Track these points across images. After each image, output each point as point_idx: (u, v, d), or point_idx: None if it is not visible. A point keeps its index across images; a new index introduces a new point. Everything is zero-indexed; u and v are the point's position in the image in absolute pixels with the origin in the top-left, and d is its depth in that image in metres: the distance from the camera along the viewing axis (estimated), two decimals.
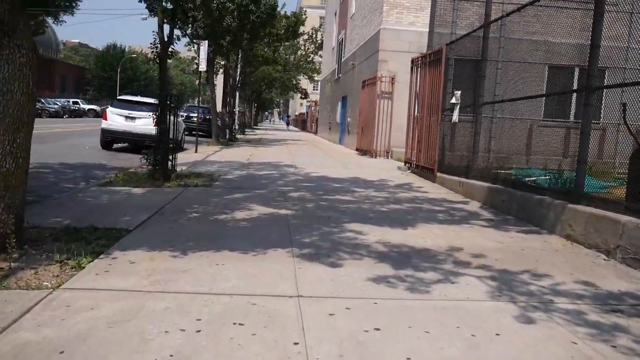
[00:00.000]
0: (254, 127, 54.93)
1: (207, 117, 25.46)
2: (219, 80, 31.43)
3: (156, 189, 8.25)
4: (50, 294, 3.35)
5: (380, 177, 10.86)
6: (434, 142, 10.23)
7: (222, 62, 27.89)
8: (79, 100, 54.88)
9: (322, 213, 6.58)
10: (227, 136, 25.01)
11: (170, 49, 9.59)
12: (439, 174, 9.92)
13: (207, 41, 16.31)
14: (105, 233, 5.00)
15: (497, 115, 10.26)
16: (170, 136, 9.83)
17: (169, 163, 9.56)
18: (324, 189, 8.87)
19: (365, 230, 5.56)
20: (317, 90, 72.51)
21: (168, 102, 9.71)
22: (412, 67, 12.05)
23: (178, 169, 11.06)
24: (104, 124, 15.39)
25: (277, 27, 24.54)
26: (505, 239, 5.51)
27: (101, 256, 4.24)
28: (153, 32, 9.66)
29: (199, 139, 26.35)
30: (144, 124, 15.33)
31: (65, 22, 71.64)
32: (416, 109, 12.05)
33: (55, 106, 43.59)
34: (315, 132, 40.33)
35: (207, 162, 13.11)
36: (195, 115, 29.00)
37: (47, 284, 3.60)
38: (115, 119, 15.31)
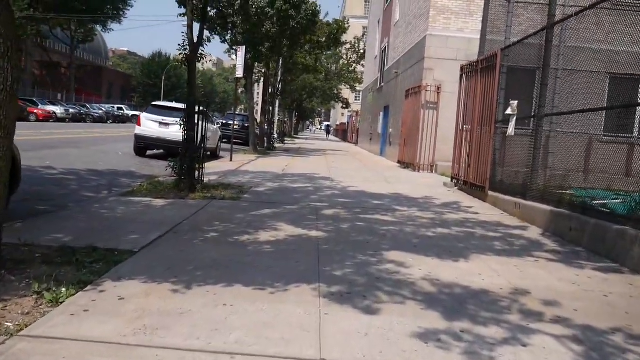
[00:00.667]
0: (294, 136, 54.55)
1: (246, 125, 24.99)
2: (261, 88, 31.05)
3: (178, 201, 7.59)
4: (1, 344, 2.62)
5: (425, 194, 9.92)
6: (485, 157, 9.24)
7: (262, 70, 27.47)
8: (123, 106, 55.82)
9: (359, 236, 5.73)
10: (265, 145, 24.47)
11: (200, 51, 8.95)
12: (490, 193, 8.92)
13: (244, 47, 15.75)
14: (104, 255, 4.30)
15: (556, 128, 9.22)
16: (200, 144, 9.20)
17: (196, 173, 8.91)
18: (362, 206, 8.01)
19: (408, 262, 4.67)
20: (358, 100, 71.73)
21: (198, 108, 9.10)
22: (461, 75, 11.10)
23: (209, 178, 10.44)
24: (138, 130, 14.99)
25: (318, 34, 23.91)
26: (581, 279, 4.52)
27: (87, 287, 3.52)
28: (182, 33, 9.07)
29: (236, 147, 25.92)
30: (178, 130, 14.84)
31: (113, 30, 73.43)
32: (464, 121, 11.08)
33: (100, 112, 44.29)
34: (356, 143, 39.48)
35: (240, 172, 12.45)
36: (236, 123, 28.73)
37: (9, 324, 2.89)
38: (149, 125, 14.89)
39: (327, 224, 6.37)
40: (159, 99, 62.83)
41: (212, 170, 12.74)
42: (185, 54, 8.84)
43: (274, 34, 18.41)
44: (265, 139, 24.78)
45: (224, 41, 21.09)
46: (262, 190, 9.27)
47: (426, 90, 15.19)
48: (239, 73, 15.78)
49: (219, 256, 4.54)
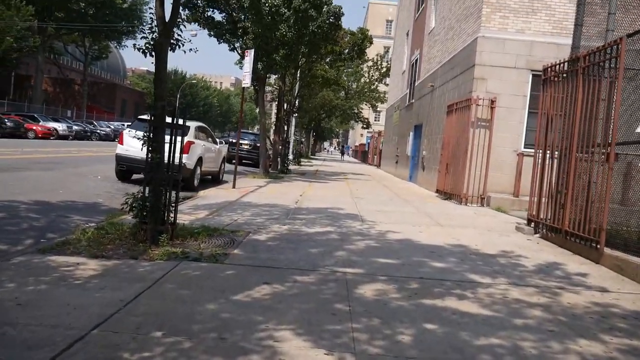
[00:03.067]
0: (311, 157, 51.74)
1: (257, 144, 22.21)
2: (276, 106, 28.32)
3: (124, 265, 4.69)
4: None
5: (499, 245, 6.89)
6: (597, 194, 6.20)
7: (277, 84, 24.80)
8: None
9: None
10: (279, 167, 21.62)
11: (175, 36, 6.08)
12: (609, 252, 5.86)
13: (253, 50, 12.98)
14: None
15: None
16: (174, 169, 6.39)
17: (169, 213, 6.03)
18: (419, 274, 5.02)
19: None
20: (378, 120, 68.96)
21: (175, 118, 6.31)
22: (544, 80, 8.11)
23: (195, 216, 7.61)
24: (119, 150, 12.21)
25: (341, 43, 21.14)
26: None
27: None
28: (150, 13, 6.16)
29: (246, 169, 23.00)
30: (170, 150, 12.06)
31: (127, 46, 71.89)
32: (541, 142, 8.11)
33: (107, 129, 41.99)
34: (378, 165, 36.47)
35: (241, 205, 9.55)
36: (245, 142, 25.94)
37: None
38: (133, 143, 12.08)
39: (370, 327, 3.40)
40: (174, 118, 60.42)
41: (205, 202, 9.86)
42: (152, 38, 5.97)
43: (290, 39, 15.65)
44: (279, 160, 21.93)
45: (232, 49, 18.41)
46: (263, 240, 6.32)
47: (477, 105, 12.21)
48: (246, 82, 12.98)
49: None
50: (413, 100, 21.59)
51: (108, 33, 57.22)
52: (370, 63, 44.64)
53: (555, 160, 7.49)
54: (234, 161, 26.06)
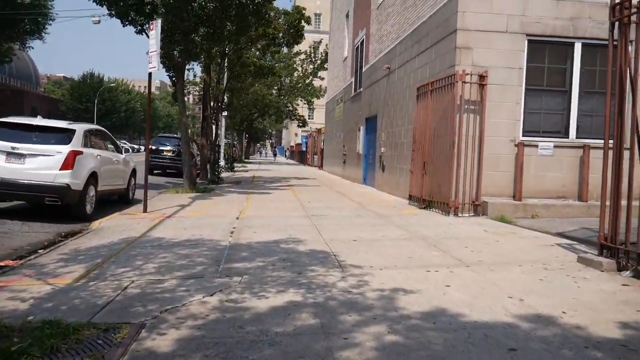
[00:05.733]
0: (245, 160, 48.00)
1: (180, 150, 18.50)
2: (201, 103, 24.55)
3: None
4: None
5: (597, 309, 3.90)
6: None
7: (202, 77, 21.13)
8: None
9: None
10: (208, 176, 18.04)
11: None
12: None
13: (159, 21, 9.48)
14: None
15: None
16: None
17: None
18: None
19: None
20: (312, 118, 65.95)
21: None
22: (619, 23, 5.15)
23: (66, 276, 4.31)
24: None
25: (274, 24, 17.83)
26: None
27: None
28: None
29: (169, 181, 19.14)
30: (39, 165, 8.35)
31: (32, 48, 65.13)
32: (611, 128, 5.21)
33: None
34: (320, 166, 33.38)
35: (146, 247, 6.12)
36: (168, 148, 22.10)
37: None
38: None
39: None
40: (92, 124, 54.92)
41: (93, 242, 6.37)
42: None
43: (211, 14, 12.19)
44: (208, 167, 18.33)
45: (140, 31, 14.71)
46: (166, 351, 2.99)
47: (463, 82, 9.29)
48: (153, 64, 9.44)
49: None
50: (361, 89, 18.61)
51: (9, 33, 50.90)
52: (303, 56, 41.53)
53: None
54: (156, 171, 22.40)
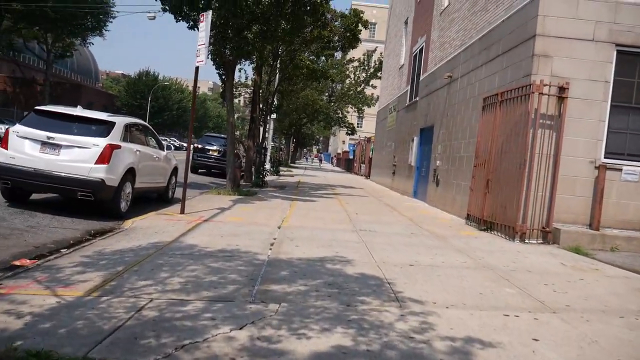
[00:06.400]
0: (291, 165, 47.53)
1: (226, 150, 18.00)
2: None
3: None
4: None
5: None
6: None
7: (253, 78, 20.69)
8: None
9: None
10: (253, 179, 17.48)
11: None
12: None
13: (209, 13, 8.91)
14: None
15: None
16: None
17: None
18: None
19: None
20: (361, 127, 65.00)
21: None
22: None
23: (84, 282, 3.69)
24: (1, 157, 7.92)
25: (330, 26, 17.14)
26: None
27: None
28: None
29: (213, 181, 18.65)
30: (74, 158, 7.85)
31: (92, 44, 66.68)
32: None
33: None
34: (367, 176, 32.46)
35: (175, 256, 5.45)
36: (214, 147, 21.71)
37: None
38: (22, 147, 7.89)
39: None
40: (145, 121, 55.80)
41: (120, 244, 5.76)
42: None
43: (265, 10, 11.60)
44: (253, 170, 17.77)
45: (192, 27, 14.32)
46: None
47: (540, 94, 8.27)
48: (201, 59, 8.87)
49: None
50: (417, 99, 17.67)
51: (71, 29, 52.44)
52: (356, 63, 40.77)
53: None
54: (200, 171, 22.05)
